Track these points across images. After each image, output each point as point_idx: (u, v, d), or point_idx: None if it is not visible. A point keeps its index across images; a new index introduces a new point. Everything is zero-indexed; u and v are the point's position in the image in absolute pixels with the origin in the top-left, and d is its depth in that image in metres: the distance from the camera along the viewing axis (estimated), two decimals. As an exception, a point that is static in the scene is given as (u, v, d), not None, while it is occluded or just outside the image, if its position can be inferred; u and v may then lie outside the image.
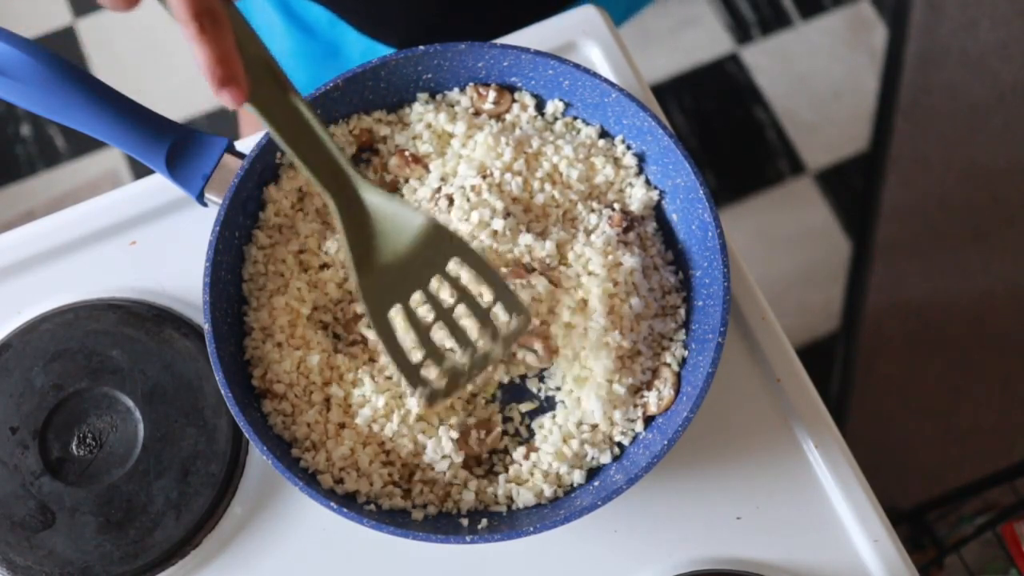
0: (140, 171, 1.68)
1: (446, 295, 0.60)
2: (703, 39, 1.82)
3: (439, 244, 0.57)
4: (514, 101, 0.72)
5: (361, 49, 0.92)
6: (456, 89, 0.71)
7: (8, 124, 1.72)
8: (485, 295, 0.62)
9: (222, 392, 0.61)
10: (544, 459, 0.65)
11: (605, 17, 0.79)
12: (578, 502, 0.62)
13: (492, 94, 0.70)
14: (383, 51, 0.91)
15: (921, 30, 1.82)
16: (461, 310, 0.60)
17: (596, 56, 0.78)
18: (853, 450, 0.70)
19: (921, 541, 1.28)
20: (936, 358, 1.62)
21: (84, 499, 0.66)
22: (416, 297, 0.59)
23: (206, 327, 0.62)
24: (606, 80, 0.68)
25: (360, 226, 0.56)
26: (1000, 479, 1.17)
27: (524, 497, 0.64)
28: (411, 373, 0.59)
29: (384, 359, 0.66)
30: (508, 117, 0.71)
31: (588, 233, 0.68)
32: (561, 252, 0.67)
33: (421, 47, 0.68)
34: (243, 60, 0.48)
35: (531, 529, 0.60)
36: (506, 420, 0.68)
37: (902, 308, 1.65)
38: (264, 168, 0.68)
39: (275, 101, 0.52)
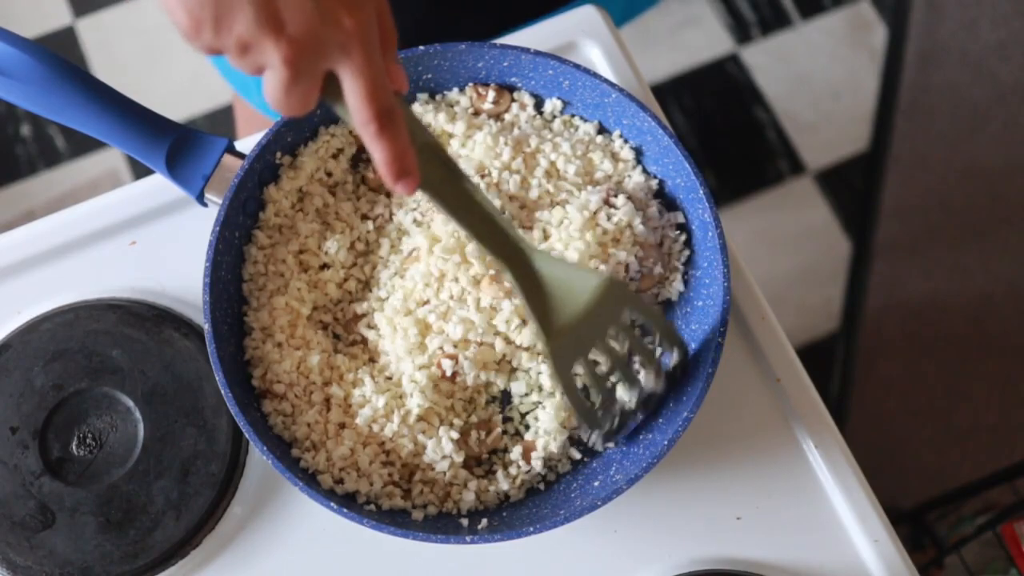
0: (140, 171, 1.68)
1: (618, 343, 0.63)
2: (703, 39, 1.82)
3: (616, 297, 0.60)
4: (513, 100, 0.72)
5: None
6: (456, 89, 0.71)
7: (8, 124, 1.72)
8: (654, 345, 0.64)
9: (222, 392, 0.61)
10: (540, 445, 0.65)
11: (605, 17, 0.79)
12: (578, 502, 0.62)
13: (491, 94, 0.71)
14: None
15: (921, 30, 1.81)
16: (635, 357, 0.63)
17: (596, 56, 0.78)
18: (853, 450, 0.70)
19: (921, 541, 1.28)
20: (936, 358, 1.62)
21: (84, 499, 0.66)
22: (594, 349, 0.61)
23: (206, 327, 0.62)
24: (606, 80, 0.68)
25: (538, 292, 0.58)
26: (1000, 479, 1.17)
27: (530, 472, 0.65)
28: (590, 418, 0.62)
29: (385, 360, 0.67)
30: (507, 117, 0.71)
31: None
32: (546, 233, 0.67)
33: (421, 47, 0.68)
34: (414, 149, 0.51)
35: (531, 529, 0.60)
36: (506, 420, 0.68)
37: (902, 308, 1.65)
38: (264, 168, 0.68)
39: (445, 185, 0.55)
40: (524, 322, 0.65)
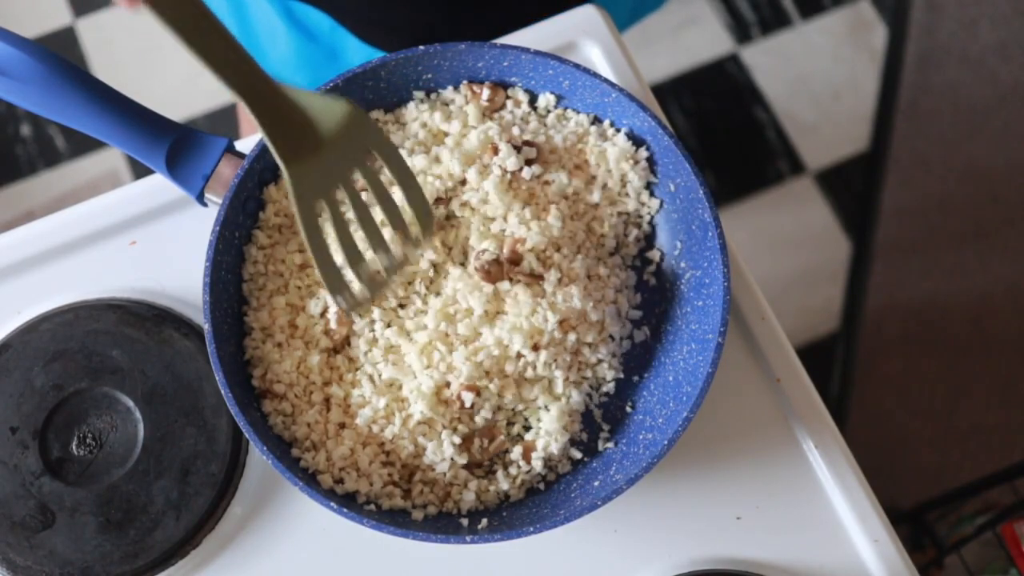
0: (140, 171, 1.68)
1: (364, 193, 0.61)
2: (703, 39, 1.82)
3: (361, 133, 0.57)
4: (508, 97, 0.71)
5: (363, 55, 0.92)
6: (450, 88, 0.71)
7: (8, 124, 1.72)
8: (397, 193, 0.62)
9: (222, 392, 0.61)
10: (541, 446, 0.65)
11: (605, 17, 0.79)
12: (578, 502, 0.62)
13: (486, 92, 0.70)
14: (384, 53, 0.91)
15: (921, 30, 1.82)
16: (377, 209, 0.61)
17: (596, 56, 0.78)
18: (853, 450, 0.70)
19: (921, 541, 1.28)
20: (936, 358, 1.62)
21: (84, 499, 0.66)
22: (338, 194, 0.59)
23: (206, 327, 0.62)
24: (606, 80, 0.68)
25: (280, 121, 0.55)
26: (1000, 479, 1.17)
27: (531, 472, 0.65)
28: (334, 278, 0.59)
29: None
30: (505, 115, 0.71)
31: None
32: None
33: (421, 47, 0.68)
34: None
35: (531, 529, 0.60)
36: (509, 423, 0.68)
37: (902, 308, 1.65)
38: (264, 168, 0.68)
39: (176, 3, 0.51)
40: (536, 347, 0.65)
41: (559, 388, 0.66)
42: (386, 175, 0.63)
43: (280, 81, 0.55)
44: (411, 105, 0.71)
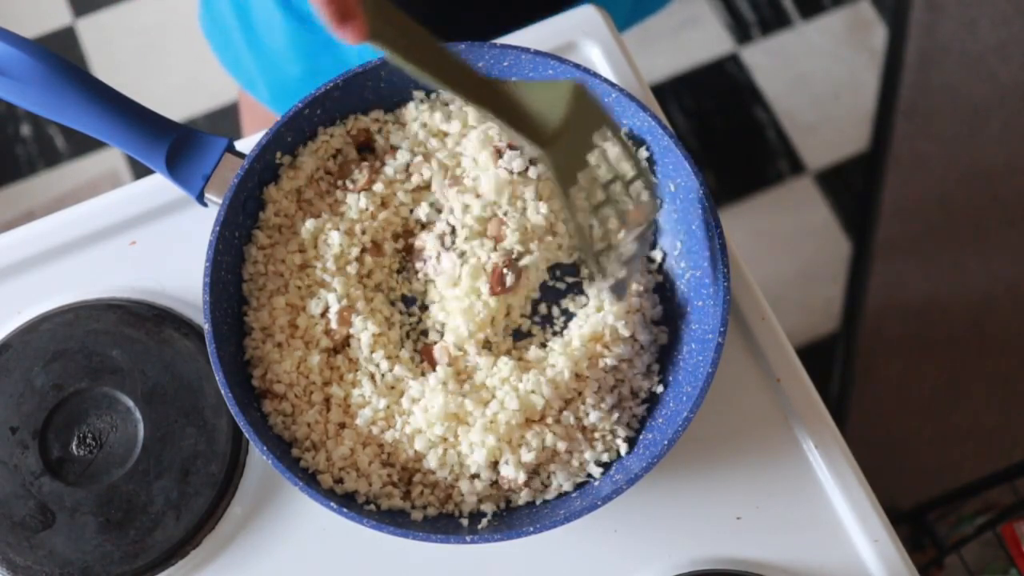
0: (140, 171, 1.68)
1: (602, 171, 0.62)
2: (703, 39, 1.82)
3: (587, 102, 0.58)
4: None
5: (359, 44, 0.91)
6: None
7: (8, 124, 1.72)
8: (628, 172, 0.63)
9: (222, 392, 0.61)
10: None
11: (605, 17, 0.79)
12: (578, 502, 0.62)
13: None
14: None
15: (921, 30, 1.81)
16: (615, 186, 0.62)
17: (596, 56, 0.78)
18: (853, 450, 0.70)
19: (921, 541, 1.28)
20: (936, 358, 1.62)
21: (84, 499, 0.66)
22: (582, 177, 0.59)
23: (206, 327, 0.62)
24: (606, 80, 0.68)
25: (519, 116, 0.56)
26: (1000, 479, 1.16)
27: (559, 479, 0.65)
28: (589, 251, 0.60)
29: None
30: None
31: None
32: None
33: (421, 47, 0.68)
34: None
35: (531, 529, 0.60)
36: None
37: (902, 308, 1.65)
38: (264, 168, 0.68)
39: (402, 35, 0.52)
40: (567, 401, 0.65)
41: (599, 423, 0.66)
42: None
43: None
44: (411, 105, 0.71)
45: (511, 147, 0.69)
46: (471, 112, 0.70)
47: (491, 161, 0.69)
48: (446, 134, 0.71)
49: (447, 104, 0.71)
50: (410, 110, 0.71)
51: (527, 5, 0.87)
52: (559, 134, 0.56)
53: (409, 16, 0.52)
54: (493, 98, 0.55)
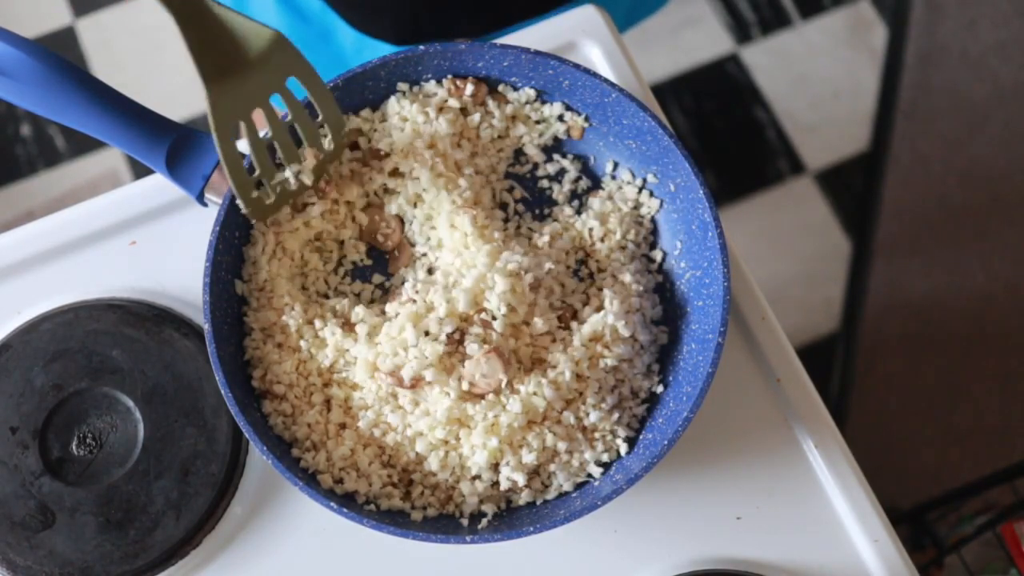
0: (140, 171, 1.68)
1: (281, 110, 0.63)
2: (703, 39, 1.82)
3: (282, 59, 0.60)
4: (490, 93, 0.71)
5: (353, 36, 0.91)
6: (433, 82, 0.71)
7: (8, 124, 1.72)
8: (320, 113, 0.65)
9: (222, 392, 0.61)
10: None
11: (605, 17, 0.79)
12: (578, 502, 0.62)
13: (469, 87, 0.70)
14: (374, 40, 0.90)
15: (921, 30, 1.82)
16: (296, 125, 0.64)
17: (596, 56, 0.78)
18: (853, 450, 0.70)
19: (921, 541, 1.28)
20: (936, 358, 1.62)
21: (84, 499, 0.66)
22: (256, 113, 0.61)
23: (206, 327, 0.62)
24: (606, 80, 0.68)
25: (204, 35, 0.56)
26: (1000, 479, 1.17)
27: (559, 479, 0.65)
28: (245, 188, 0.63)
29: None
30: (476, 116, 0.71)
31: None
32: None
33: (421, 47, 0.68)
34: None
35: (531, 529, 0.60)
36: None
37: (902, 308, 1.65)
38: (264, 168, 0.68)
39: None
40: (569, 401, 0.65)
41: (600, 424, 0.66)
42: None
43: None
44: (392, 100, 0.71)
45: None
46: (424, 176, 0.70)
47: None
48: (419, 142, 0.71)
49: (429, 97, 0.71)
50: (392, 104, 0.71)
51: (527, 5, 0.87)
52: (238, 70, 0.58)
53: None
54: (188, 12, 0.55)
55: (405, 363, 0.63)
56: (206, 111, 0.59)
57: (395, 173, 0.70)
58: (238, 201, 0.63)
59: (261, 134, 0.63)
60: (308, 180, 0.65)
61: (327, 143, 0.66)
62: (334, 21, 0.91)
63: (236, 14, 0.57)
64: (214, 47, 0.57)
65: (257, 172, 0.63)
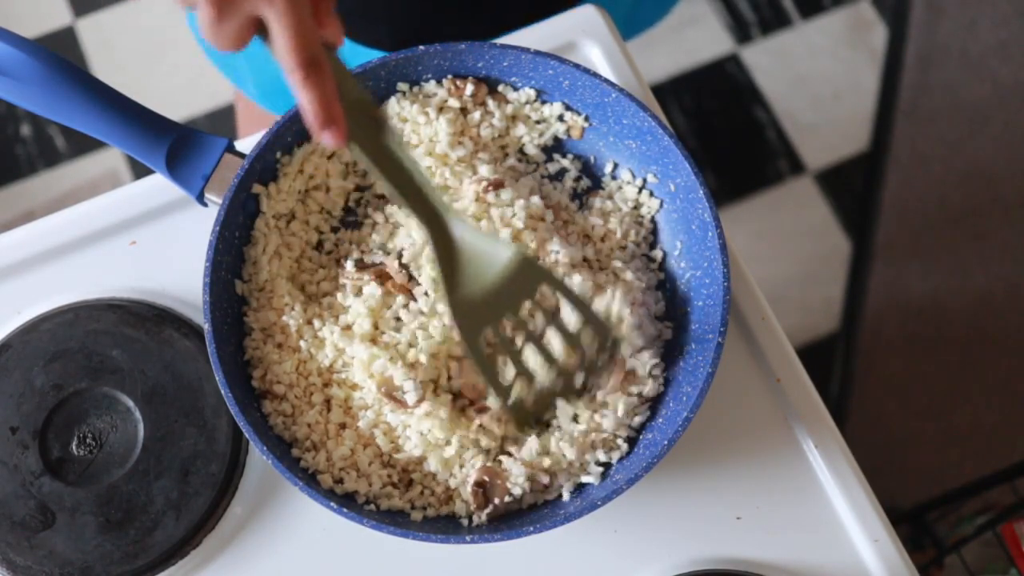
0: (140, 171, 1.68)
1: (536, 320, 0.63)
2: (703, 39, 1.82)
3: (528, 275, 0.60)
4: (490, 93, 0.71)
5: (347, 45, 0.91)
6: (433, 82, 0.71)
7: (8, 124, 1.72)
8: (572, 322, 0.63)
9: (222, 392, 0.61)
10: (555, 444, 0.65)
11: (605, 17, 0.79)
12: (578, 502, 0.62)
13: (469, 87, 0.70)
14: (367, 49, 0.90)
15: (921, 30, 1.81)
16: (550, 332, 0.63)
17: (596, 56, 0.78)
18: (853, 450, 0.70)
19: (921, 541, 1.28)
20: (936, 358, 1.62)
21: (84, 499, 0.66)
22: (506, 322, 0.61)
23: (206, 327, 0.62)
24: (606, 80, 0.68)
25: (452, 256, 0.58)
26: (1000, 479, 1.16)
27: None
28: (504, 391, 0.62)
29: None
30: (475, 115, 0.71)
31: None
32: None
33: (421, 47, 0.68)
34: (344, 104, 0.52)
35: (531, 529, 0.60)
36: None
37: (902, 308, 1.65)
38: (264, 168, 0.68)
39: (373, 140, 0.55)
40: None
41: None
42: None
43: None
44: (392, 100, 0.71)
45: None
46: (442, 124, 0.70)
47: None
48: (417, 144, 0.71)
49: (429, 98, 0.71)
50: (392, 104, 0.71)
51: (518, 7, 0.87)
52: (478, 295, 0.59)
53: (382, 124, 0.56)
54: (437, 226, 0.58)
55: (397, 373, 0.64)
56: (452, 321, 0.61)
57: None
58: (496, 399, 0.62)
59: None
60: (586, 377, 0.64)
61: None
62: None
63: (481, 235, 0.59)
64: (463, 267, 0.59)
65: (512, 377, 0.62)
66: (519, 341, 0.62)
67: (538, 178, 0.72)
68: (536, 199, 0.68)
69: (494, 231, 0.67)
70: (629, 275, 0.68)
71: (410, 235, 0.69)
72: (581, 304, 0.62)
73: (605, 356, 0.64)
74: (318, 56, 0.50)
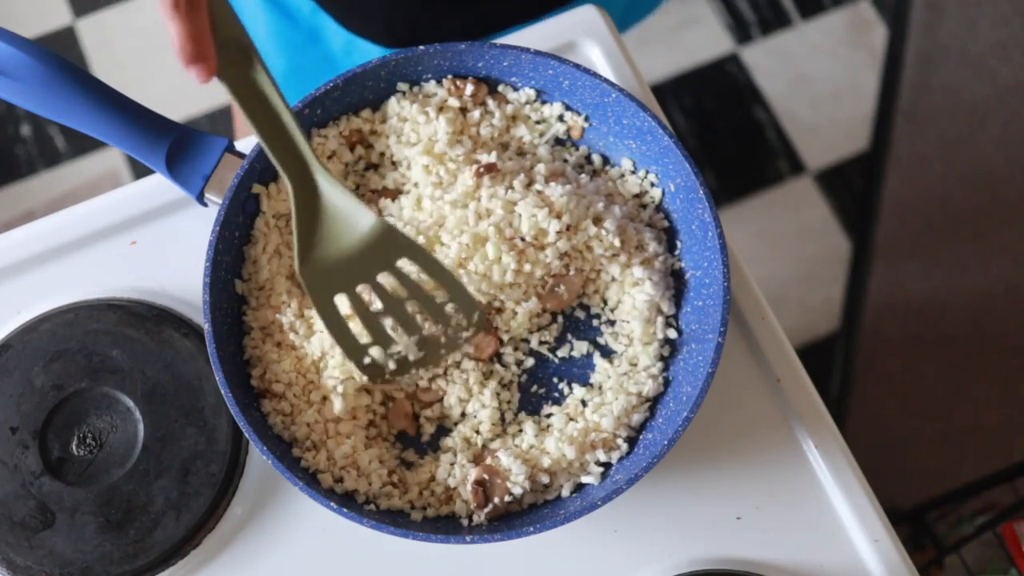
0: (140, 171, 1.68)
1: (394, 289, 0.63)
2: (703, 39, 1.82)
3: (389, 244, 0.60)
4: (490, 93, 0.71)
5: (343, 38, 0.91)
6: (433, 82, 0.71)
7: (8, 124, 1.72)
8: (439, 296, 0.63)
9: (222, 392, 0.61)
10: (551, 444, 0.65)
11: (605, 17, 0.79)
12: (578, 502, 0.62)
13: (469, 87, 0.70)
14: (364, 41, 0.90)
15: (921, 30, 1.81)
16: (412, 305, 0.63)
17: (596, 56, 0.78)
18: (853, 450, 0.70)
19: (921, 541, 1.28)
20: (936, 358, 1.62)
21: (84, 499, 0.66)
22: (361, 289, 0.61)
23: (206, 327, 0.62)
24: (606, 80, 0.68)
25: (312, 212, 0.58)
26: (1000, 479, 1.17)
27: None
28: (355, 351, 0.62)
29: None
30: (475, 114, 0.71)
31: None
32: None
33: (421, 47, 0.68)
34: (217, 39, 0.51)
35: (531, 529, 0.60)
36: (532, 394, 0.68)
37: (902, 308, 1.65)
38: (264, 168, 0.68)
39: (245, 81, 0.55)
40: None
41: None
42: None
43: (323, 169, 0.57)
44: (392, 100, 0.71)
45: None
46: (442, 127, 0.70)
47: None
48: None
49: (429, 98, 0.71)
50: (392, 104, 0.71)
51: (521, 9, 0.87)
52: (334, 260, 0.59)
53: (271, 77, 0.55)
54: (304, 181, 0.57)
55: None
56: (303, 287, 0.61)
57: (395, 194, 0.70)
58: (350, 363, 0.63)
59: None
60: (452, 344, 0.64)
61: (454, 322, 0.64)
62: (323, 22, 0.91)
63: (348, 196, 0.58)
64: (318, 223, 0.58)
65: (368, 340, 0.62)
66: (377, 306, 0.62)
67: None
68: (541, 166, 0.69)
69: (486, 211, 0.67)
70: (647, 236, 0.68)
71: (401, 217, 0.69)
72: (446, 276, 0.62)
73: (472, 331, 0.64)
74: None
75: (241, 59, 0.54)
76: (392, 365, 0.63)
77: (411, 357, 0.64)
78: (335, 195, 0.58)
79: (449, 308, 0.63)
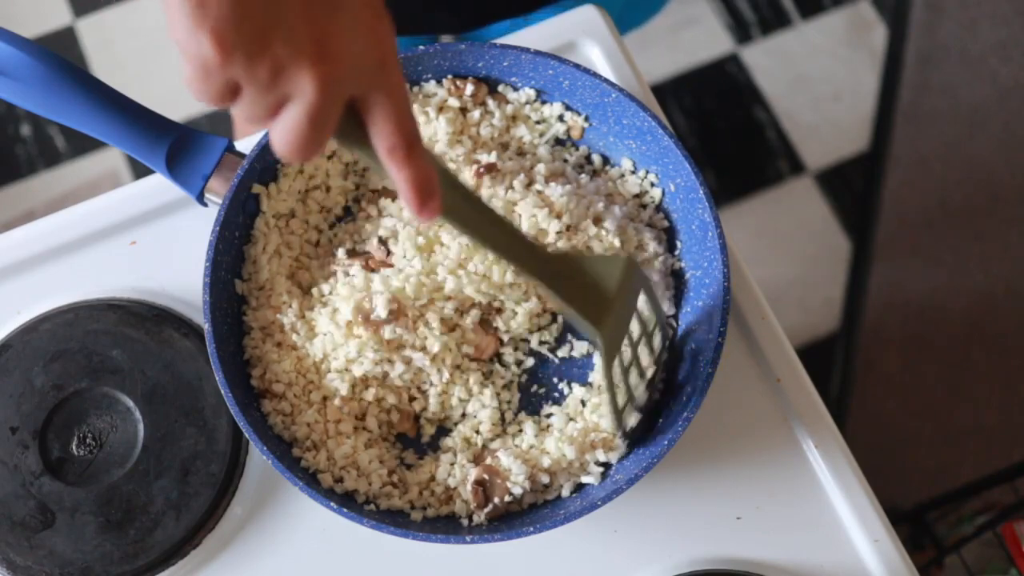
0: (140, 171, 1.68)
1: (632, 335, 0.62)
2: (703, 39, 1.82)
3: (635, 277, 0.58)
4: (490, 93, 0.71)
5: None
6: (433, 82, 0.71)
7: (8, 124, 1.72)
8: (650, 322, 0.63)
9: (222, 392, 0.61)
10: (551, 444, 0.65)
11: (605, 17, 0.79)
12: (578, 502, 0.62)
13: (469, 87, 0.70)
14: None
15: (921, 30, 1.81)
16: (642, 346, 0.63)
17: (596, 56, 0.78)
18: (853, 450, 0.70)
19: (921, 541, 1.28)
20: (936, 358, 1.62)
21: (84, 499, 0.66)
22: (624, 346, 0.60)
23: (206, 327, 0.62)
24: (606, 80, 0.68)
25: (574, 291, 0.56)
26: (1000, 479, 1.17)
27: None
28: (620, 417, 0.62)
29: None
30: (475, 114, 0.71)
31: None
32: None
33: (421, 47, 0.68)
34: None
35: (531, 529, 0.60)
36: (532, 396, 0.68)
37: (902, 308, 1.65)
38: (264, 168, 0.68)
39: (463, 208, 0.51)
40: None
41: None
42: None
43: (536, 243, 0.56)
44: None
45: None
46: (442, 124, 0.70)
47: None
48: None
49: (429, 98, 0.71)
50: None
51: (508, 2, 0.86)
52: (610, 315, 0.57)
53: (464, 186, 0.52)
54: (550, 272, 0.55)
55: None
56: (599, 352, 0.59)
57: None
58: (612, 420, 0.61)
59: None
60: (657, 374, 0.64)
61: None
62: None
63: (585, 257, 0.57)
64: (587, 295, 0.56)
65: (623, 402, 0.62)
66: (628, 357, 0.61)
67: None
68: (541, 166, 0.68)
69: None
70: (646, 236, 0.68)
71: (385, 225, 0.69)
72: (659, 305, 0.61)
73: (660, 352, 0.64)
74: (417, 129, 0.46)
75: (450, 188, 0.50)
76: (633, 421, 0.63)
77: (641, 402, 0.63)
78: (580, 263, 0.56)
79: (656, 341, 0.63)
